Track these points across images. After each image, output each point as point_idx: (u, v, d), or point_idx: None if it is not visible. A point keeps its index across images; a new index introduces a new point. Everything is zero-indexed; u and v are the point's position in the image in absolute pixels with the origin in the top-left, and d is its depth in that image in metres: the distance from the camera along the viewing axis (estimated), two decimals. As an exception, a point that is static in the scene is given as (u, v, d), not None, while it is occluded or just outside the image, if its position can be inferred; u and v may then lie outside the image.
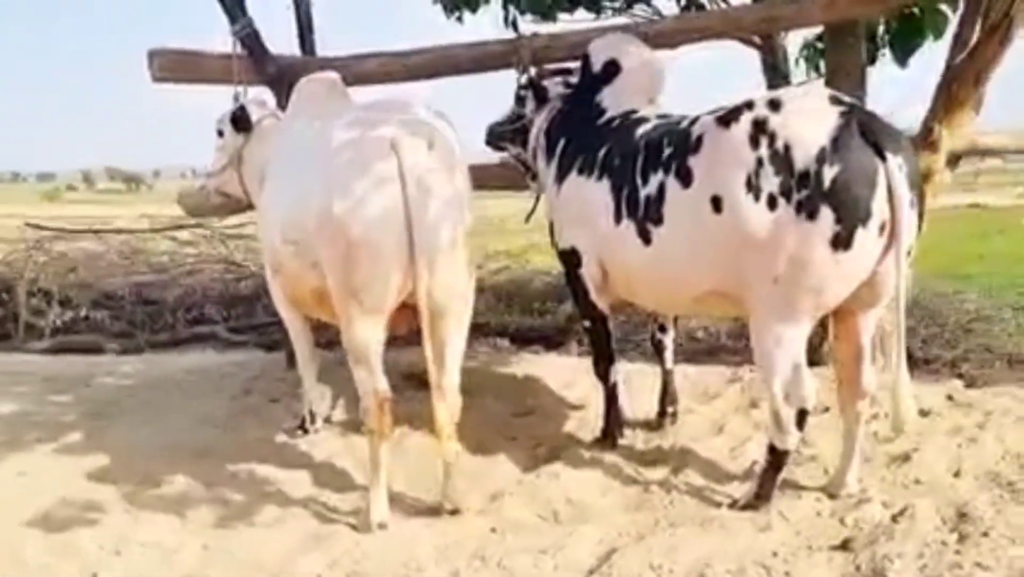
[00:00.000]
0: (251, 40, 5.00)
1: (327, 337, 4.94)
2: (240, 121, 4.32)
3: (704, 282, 3.30)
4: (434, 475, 3.53)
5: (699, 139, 3.25)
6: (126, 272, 8.23)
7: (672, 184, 3.30)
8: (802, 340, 3.15)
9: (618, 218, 3.50)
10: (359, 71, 4.96)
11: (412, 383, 4.99)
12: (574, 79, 4.20)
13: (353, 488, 3.69)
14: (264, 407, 4.93)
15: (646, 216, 3.38)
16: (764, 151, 3.03)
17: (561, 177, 3.90)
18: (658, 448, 4.01)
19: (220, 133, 4.45)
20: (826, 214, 2.93)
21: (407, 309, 3.28)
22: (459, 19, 5.34)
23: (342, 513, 3.48)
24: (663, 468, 3.77)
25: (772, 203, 3.00)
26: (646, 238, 3.39)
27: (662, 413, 4.25)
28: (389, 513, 3.36)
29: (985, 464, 3.58)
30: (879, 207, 2.94)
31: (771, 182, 3.00)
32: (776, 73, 4.95)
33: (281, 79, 5.02)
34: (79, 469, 4.01)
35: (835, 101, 3.08)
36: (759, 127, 3.06)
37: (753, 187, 3.03)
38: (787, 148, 2.99)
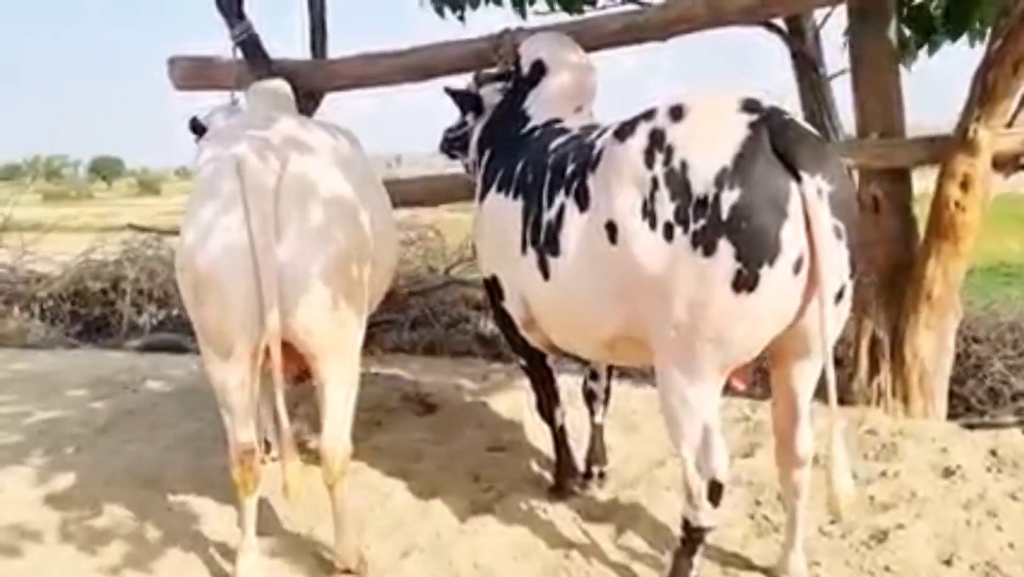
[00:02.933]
0: (250, 45, 4.87)
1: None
2: (196, 131, 4.16)
3: (606, 326, 2.79)
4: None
5: (598, 156, 2.75)
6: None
7: (570, 208, 2.81)
8: (711, 399, 2.60)
9: (524, 246, 3.03)
10: (356, 74, 4.74)
11: (411, 406, 4.79)
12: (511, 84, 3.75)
13: (268, 532, 3.44)
14: (263, 426, 4.79)
15: (545, 245, 2.90)
16: (659, 170, 2.50)
17: (483, 194, 3.45)
18: (613, 501, 3.52)
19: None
20: (725, 248, 2.37)
21: (291, 350, 2.99)
22: (460, 18, 4.96)
23: (228, 566, 3.23)
24: (603, 528, 3.30)
25: (668, 233, 2.47)
26: (544, 271, 2.92)
27: (587, 474, 3.69)
28: (263, 572, 3.10)
29: (989, 550, 2.88)
30: (792, 240, 2.36)
31: (667, 208, 2.47)
32: (804, 63, 4.25)
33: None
34: (36, 495, 3.98)
35: (748, 107, 2.48)
36: (656, 141, 2.53)
37: (648, 213, 2.51)
38: (684, 167, 2.45)
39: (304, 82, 4.78)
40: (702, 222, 2.40)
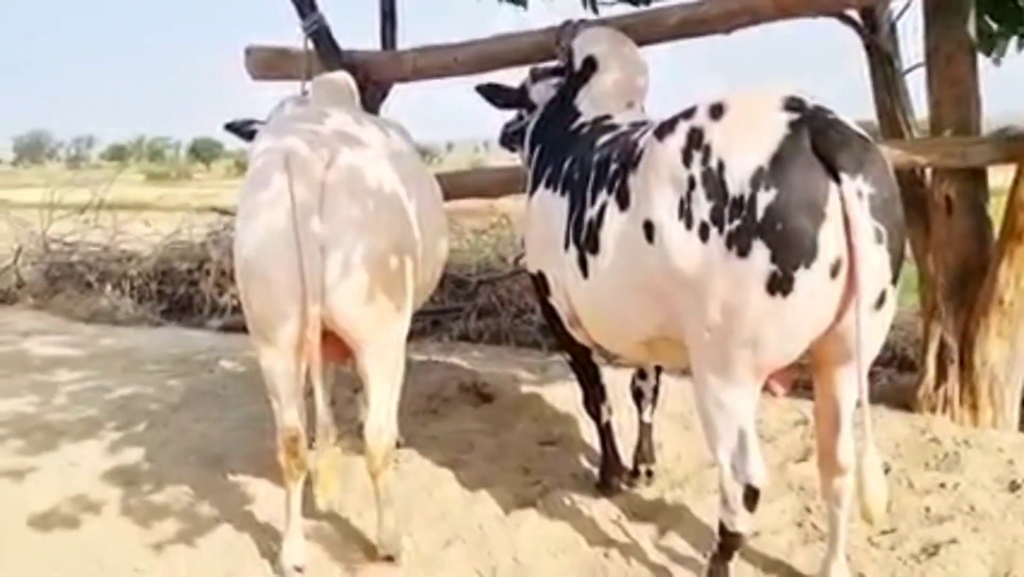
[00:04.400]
0: (321, 36, 4.94)
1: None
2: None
3: (643, 326, 2.78)
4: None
5: (640, 154, 2.72)
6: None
7: (612, 206, 2.79)
8: (747, 402, 2.56)
9: (567, 243, 3.02)
10: (415, 67, 4.76)
11: (468, 396, 4.83)
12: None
13: (317, 516, 3.52)
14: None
15: (585, 243, 2.89)
16: (696, 169, 2.46)
17: (533, 189, 3.45)
18: (659, 501, 3.49)
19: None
20: (759, 250, 2.33)
21: (332, 337, 3.05)
22: (520, 2, 4.93)
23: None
24: (645, 527, 3.28)
25: (704, 234, 2.43)
26: (584, 269, 2.91)
27: (634, 472, 3.66)
28: (308, 556, 3.17)
29: (1047, 569, 2.75)
30: (829, 242, 2.30)
31: (703, 208, 2.43)
32: (879, 56, 4.09)
33: (354, 75, 4.93)
34: (101, 467, 4.17)
35: (789, 106, 2.42)
36: (694, 140, 2.50)
37: (685, 213, 2.48)
38: (720, 167, 2.41)
39: (373, 73, 4.85)
40: (737, 223, 2.36)
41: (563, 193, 3.16)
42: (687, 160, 2.49)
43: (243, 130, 3.75)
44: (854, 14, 4.09)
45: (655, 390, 3.67)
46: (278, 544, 3.25)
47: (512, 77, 4.25)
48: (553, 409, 4.53)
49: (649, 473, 3.64)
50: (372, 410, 3.10)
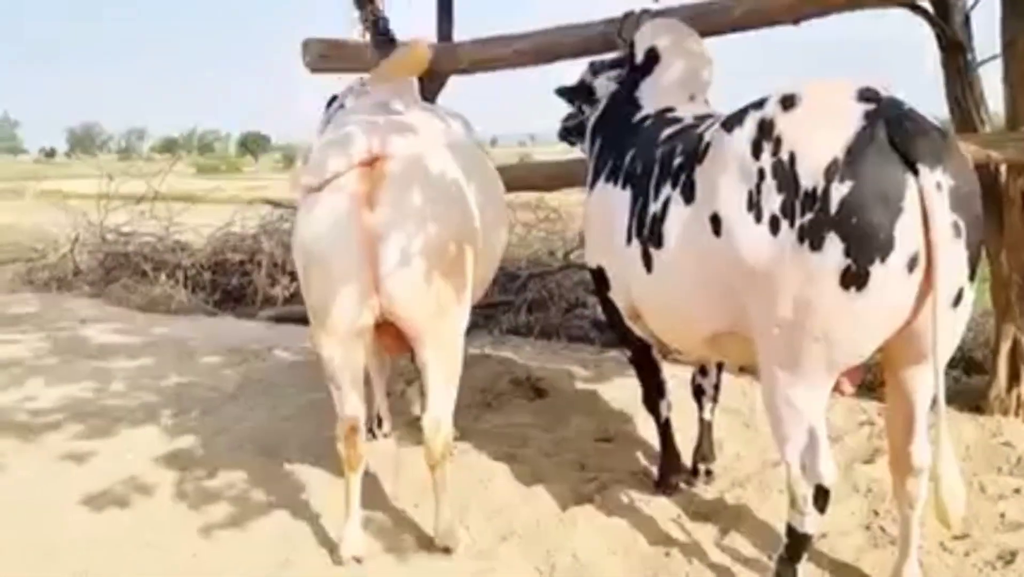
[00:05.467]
0: (378, 28, 4.95)
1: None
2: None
3: (709, 321, 2.71)
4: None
5: (706, 146, 2.66)
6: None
7: (676, 200, 2.73)
8: (818, 401, 2.49)
9: (628, 237, 2.97)
10: (475, 58, 4.73)
11: (522, 390, 4.79)
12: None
13: (373, 506, 3.52)
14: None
15: (649, 237, 2.84)
16: (767, 161, 2.40)
17: (593, 183, 3.40)
18: (719, 500, 3.42)
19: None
20: (833, 244, 2.26)
21: (391, 329, 3.03)
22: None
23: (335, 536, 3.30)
24: (706, 527, 3.21)
25: (774, 227, 2.37)
26: (648, 263, 2.85)
27: (694, 471, 3.59)
28: (365, 546, 3.15)
29: None
30: (906, 236, 2.22)
31: (773, 201, 2.37)
32: (952, 47, 3.95)
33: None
34: (158, 453, 4.21)
35: (863, 97, 2.34)
36: (764, 131, 2.43)
37: (754, 206, 2.42)
38: (792, 158, 2.35)
39: (431, 65, 4.83)
40: (810, 216, 2.30)
41: (625, 187, 3.11)
42: (757, 152, 2.43)
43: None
44: (926, 3, 3.96)
45: (716, 387, 3.60)
46: (336, 533, 3.24)
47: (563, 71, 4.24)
48: (608, 405, 4.48)
49: (709, 472, 3.57)
50: (431, 403, 3.08)
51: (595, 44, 4.20)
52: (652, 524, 3.25)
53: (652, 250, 2.83)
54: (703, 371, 3.60)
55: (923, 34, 4.07)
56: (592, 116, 3.74)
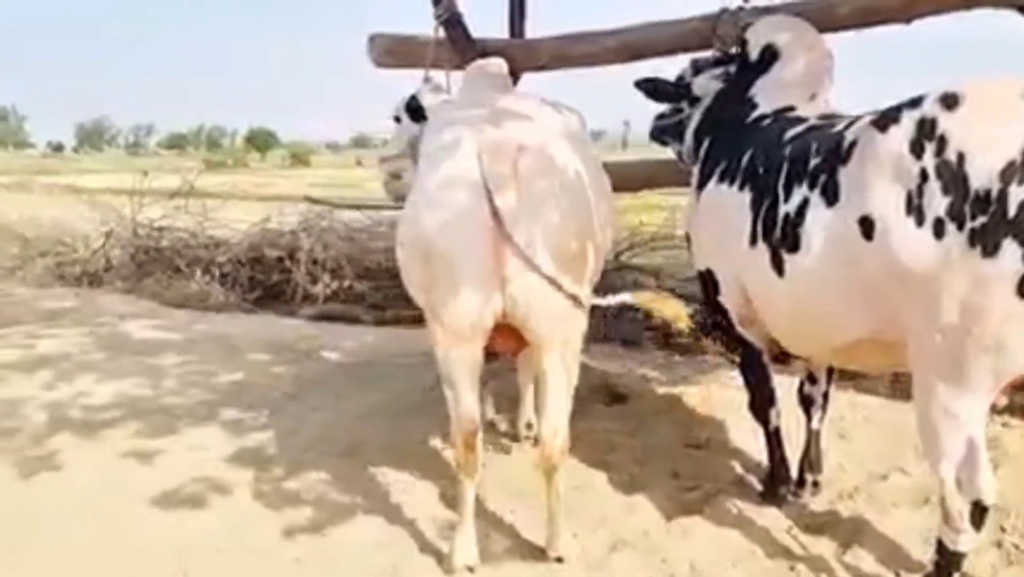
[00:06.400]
0: (453, 24, 4.84)
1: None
2: (413, 111, 4.16)
3: (850, 327, 2.61)
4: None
5: (851, 146, 2.55)
6: (389, 246, 8.55)
7: (815, 201, 2.63)
8: (980, 413, 2.39)
9: (753, 239, 2.86)
10: (558, 54, 4.62)
11: (601, 396, 4.69)
12: (734, 69, 3.54)
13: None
14: (444, 403, 4.73)
15: (781, 240, 2.72)
16: (930, 162, 2.30)
17: (702, 184, 3.29)
18: (832, 513, 3.31)
19: (397, 119, 4.32)
20: (1010, 249, 2.17)
21: (506, 330, 2.92)
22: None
23: (442, 544, 3.18)
24: (825, 541, 3.09)
25: (939, 230, 2.27)
26: (779, 267, 2.74)
27: (800, 482, 3.45)
28: (477, 554, 3.03)
29: None
30: None
31: (938, 203, 2.27)
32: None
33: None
34: (229, 452, 4.12)
35: None
36: (925, 131, 2.33)
37: (914, 208, 2.32)
38: (961, 159, 2.25)
39: (507, 62, 4.72)
40: (982, 219, 2.20)
41: (743, 188, 3.01)
42: (917, 152, 2.33)
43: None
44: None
45: (826, 396, 3.49)
46: (439, 539, 3.16)
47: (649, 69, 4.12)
48: (693, 411, 4.37)
49: (816, 483, 3.45)
50: (550, 408, 2.96)
51: (689, 41, 4.09)
52: (766, 535, 3.15)
53: (784, 253, 2.72)
54: (812, 379, 3.48)
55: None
56: (694, 115, 3.63)
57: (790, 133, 2.95)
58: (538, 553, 3.09)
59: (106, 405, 4.87)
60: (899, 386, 4.52)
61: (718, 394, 4.56)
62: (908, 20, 3.68)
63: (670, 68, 4.01)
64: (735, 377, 4.89)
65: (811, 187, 2.65)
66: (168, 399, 5.02)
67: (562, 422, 2.98)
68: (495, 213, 2.64)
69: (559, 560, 3.02)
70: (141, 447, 4.25)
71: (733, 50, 3.85)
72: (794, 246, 2.67)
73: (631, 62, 4.35)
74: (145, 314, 7.53)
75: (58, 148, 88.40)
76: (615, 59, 4.42)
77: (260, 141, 74.28)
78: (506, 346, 3.03)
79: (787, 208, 2.72)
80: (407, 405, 4.77)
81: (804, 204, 2.66)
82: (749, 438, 3.95)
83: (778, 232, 2.74)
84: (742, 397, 4.47)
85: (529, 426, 4.09)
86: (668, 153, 4.05)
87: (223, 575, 3.04)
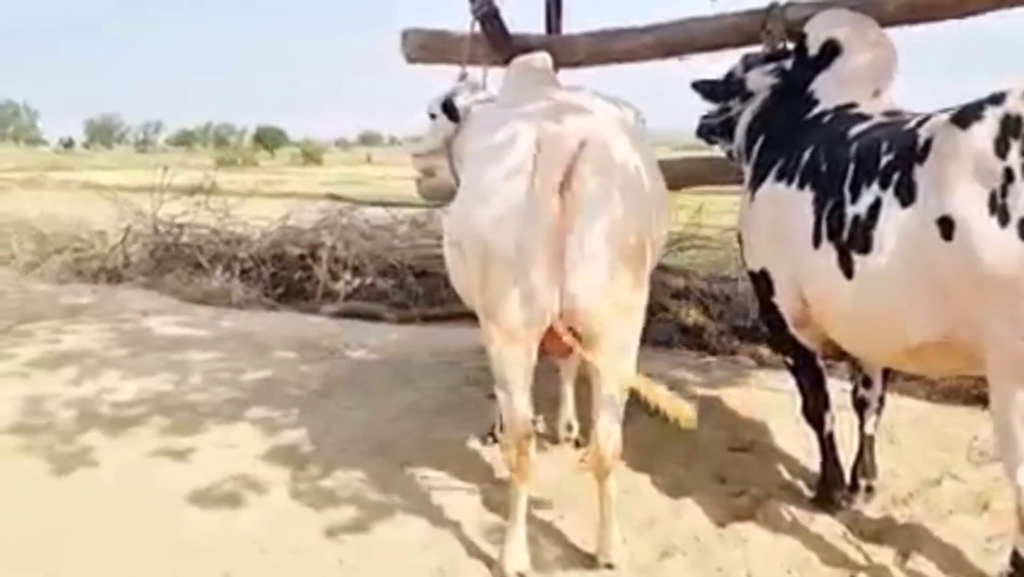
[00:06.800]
0: (490, 19, 4.77)
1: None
2: (449, 111, 4.09)
3: (923, 330, 2.52)
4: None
5: (927, 144, 2.47)
6: (412, 244, 8.48)
7: (889, 201, 2.55)
8: (1064, 420, 2.30)
9: (817, 239, 2.78)
10: (595, 50, 4.54)
11: (637, 396, 4.58)
12: (789, 65, 3.45)
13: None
14: (476, 403, 4.68)
15: (850, 241, 2.64)
16: (1016, 160, 2.23)
17: (756, 183, 3.21)
18: (888, 520, 3.22)
19: (433, 116, 4.24)
20: None
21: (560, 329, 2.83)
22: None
23: (486, 548, 3.12)
24: (884, 549, 3.01)
25: None
26: (847, 268, 2.66)
27: (853, 487, 3.36)
28: (528, 560, 2.95)
29: None
30: None
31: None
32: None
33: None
34: (262, 450, 4.06)
35: None
36: (1010, 127, 2.26)
37: (998, 208, 2.25)
38: None
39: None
40: None
41: (802, 186, 2.93)
42: (1001, 150, 2.26)
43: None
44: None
45: (881, 399, 3.40)
46: (485, 542, 3.11)
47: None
48: (732, 413, 4.30)
49: (869, 489, 3.36)
50: (604, 410, 2.89)
51: (730, 37, 4.01)
52: (822, 542, 3.07)
53: (854, 255, 2.64)
54: (866, 382, 3.39)
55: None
56: (746, 112, 3.55)
57: (855, 130, 2.86)
58: (588, 559, 3.02)
59: (133, 402, 4.82)
60: (935, 389, 4.47)
61: (757, 396, 4.48)
62: (962, 16, 3.58)
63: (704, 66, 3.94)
64: (770, 379, 4.86)
65: (883, 187, 2.58)
66: (195, 396, 4.97)
67: (615, 427, 2.91)
68: (555, 210, 2.56)
69: (609, 566, 2.94)
70: (172, 445, 4.19)
71: (780, 46, 3.79)
72: (865, 247, 2.59)
73: (670, 58, 4.27)
74: (167, 310, 7.48)
75: (69, 144, 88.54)
76: (653, 55, 4.35)
77: (269, 139, 74.36)
78: (558, 346, 2.94)
79: (856, 208, 2.64)
80: (438, 404, 4.72)
81: (876, 204, 2.58)
82: (792, 441, 3.90)
83: (846, 233, 2.66)
84: (780, 399, 4.45)
85: (569, 427, 4.01)
86: (683, 152, 3.99)
87: (267, 576, 2.97)
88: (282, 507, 3.48)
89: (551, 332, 2.81)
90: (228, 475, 3.76)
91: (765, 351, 5.47)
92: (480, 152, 2.94)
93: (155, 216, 9.34)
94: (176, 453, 4.09)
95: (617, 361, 2.84)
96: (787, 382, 4.68)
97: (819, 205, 2.81)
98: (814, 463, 3.63)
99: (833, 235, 2.72)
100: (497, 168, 2.72)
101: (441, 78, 4.53)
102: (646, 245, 2.83)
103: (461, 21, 5.11)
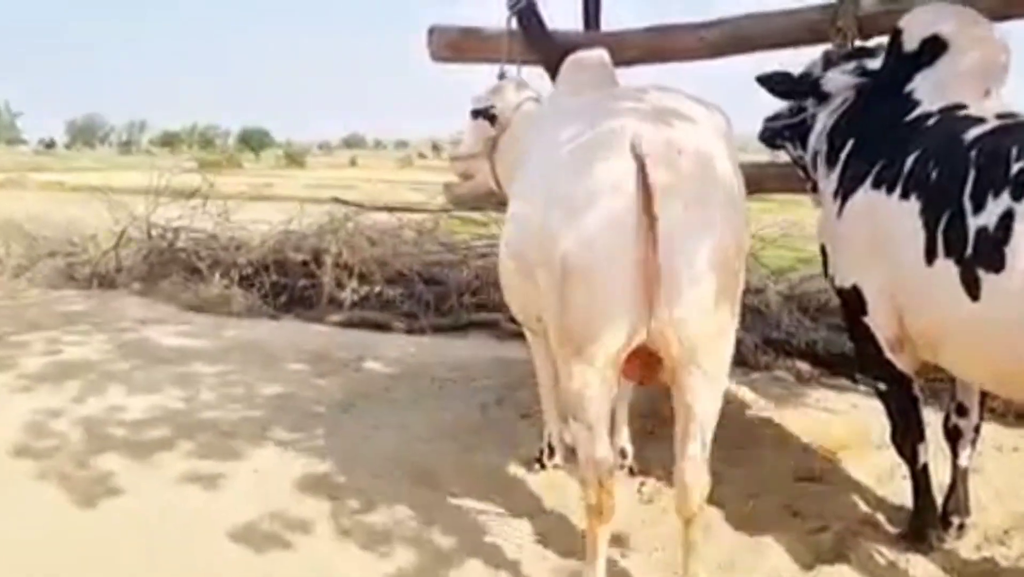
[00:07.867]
0: (527, 15, 4.50)
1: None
2: (489, 117, 3.83)
3: None
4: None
5: None
6: (420, 250, 8.19)
7: (1022, 214, 2.32)
8: None
9: (930, 256, 2.53)
10: (649, 47, 4.29)
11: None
12: (874, 63, 3.20)
13: (572, 554, 3.04)
14: (510, 424, 4.42)
15: (976, 257, 2.40)
16: None
17: (846, 191, 2.95)
18: (988, 560, 2.98)
19: (475, 115, 3.97)
20: None
21: (642, 353, 2.56)
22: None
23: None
24: (990, 593, 2.77)
25: None
26: (973, 289, 2.42)
27: (945, 523, 3.11)
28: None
29: None
30: None
31: None
32: None
33: (561, 58, 4.47)
34: (293, 477, 3.78)
35: None
36: None
37: None
38: None
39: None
40: None
41: (907, 195, 2.67)
42: None
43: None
44: None
45: (977, 429, 3.15)
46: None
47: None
48: (795, 439, 4.04)
49: (962, 526, 3.11)
50: (693, 441, 2.60)
51: (801, 34, 3.76)
52: (920, 587, 2.82)
53: (983, 273, 2.39)
54: (961, 410, 3.14)
55: None
56: (822, 115, 3.29)
57: (971, 134, 2.61)
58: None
59: (145, 421, 4.50)
60: (1009, 410, 4.22)
61: (815, 418, 4.23)
62: (1000, 19, 3.32)
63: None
64: (824, 398, 4.63)
65: (1015, 198, 2.33)
66: (210, 414, 4.66)
67: (705, 460, 2.64)
68: (659, 227, 2.29)
69: None
70: (196, 470, 3.89)
71: (856, 42, 3.55)
72: (997, 265, 2.35)
73: (732, 56, 4.01)
74: (166, 319, 7.13)
75: (50, 145, 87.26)
76: (714, 53, 4.09)
77: (254, 141, 73.57)
78: (637, 374, 2.68)
79: (981, 221, 2.40)
80: (470, 424, 4.44)
81: (1008, 217, 2.33)
82: (863, 471, 3.66)
83: (970, 249, 2.41)
84: (840, 421, 4.21)
85: (624, 454, 3.74)
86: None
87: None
88: (327, 549, 3.19)
89: (630, 358, 2.55)
90: (263, 510, 3.45)
91: (803, 365, 5.26)
92: (551, 156, 2.65)
93: (148, 220, 8.97)
94: (204, 480, 3.79)
95: (711, 386, 2.57)
96: (843, 402, 4.51)
97: (931, 216, 2.56)
98: (890, 494, 3.42)
99: (951, 250, 2.48)
100: (581, 176, 2.45)
101: (439, 84, 4.30)
102: (743, 261, 2.58)
103: (482, 20, 4.92)
